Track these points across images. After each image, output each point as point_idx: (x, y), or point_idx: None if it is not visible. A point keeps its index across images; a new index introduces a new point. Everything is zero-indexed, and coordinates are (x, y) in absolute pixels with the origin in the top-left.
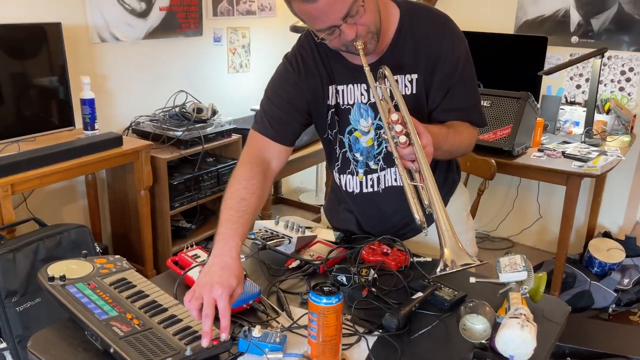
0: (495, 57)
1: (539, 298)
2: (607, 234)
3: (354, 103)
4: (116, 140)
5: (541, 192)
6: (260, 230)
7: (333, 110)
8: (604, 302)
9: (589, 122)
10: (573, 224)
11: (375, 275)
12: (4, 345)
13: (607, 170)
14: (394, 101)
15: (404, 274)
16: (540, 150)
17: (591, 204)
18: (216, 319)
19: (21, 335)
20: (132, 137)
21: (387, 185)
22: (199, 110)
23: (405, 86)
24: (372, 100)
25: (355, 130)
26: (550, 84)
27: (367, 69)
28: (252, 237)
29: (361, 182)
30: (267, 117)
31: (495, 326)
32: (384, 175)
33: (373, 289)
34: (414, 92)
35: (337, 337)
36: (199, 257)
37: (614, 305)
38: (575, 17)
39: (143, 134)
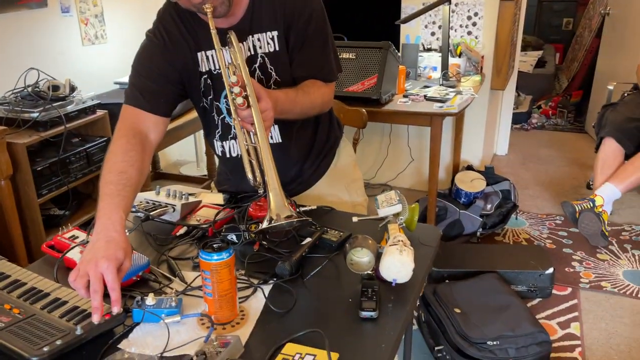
0: (355, 10)
1: (414, 227)
2: (469, 167)
3: None
4: None
5: (411, 137)
6: (141, 202)
7: (205, 76)
8: (472, 227)
9: (445, 65)
10: (440, 162)
11: None
12: None
13: (464, 108)
14: (253, 67)
15: None
16: (405, 96)
17: (454, 142)
18: (106, 295)
19: None
20: None
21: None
22: (55, 88)
23: (268, 43)
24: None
25: None
26: (408, 33)
27: (213, 31)
28: (134, 210)
29: None
30: (138, 90)
31: (379, 257)
32: None
33: (264, 242)
34: (277, 49)
35: (233, 291)
36: (77, 237)
37: (481, 229)
38: None
39: None
